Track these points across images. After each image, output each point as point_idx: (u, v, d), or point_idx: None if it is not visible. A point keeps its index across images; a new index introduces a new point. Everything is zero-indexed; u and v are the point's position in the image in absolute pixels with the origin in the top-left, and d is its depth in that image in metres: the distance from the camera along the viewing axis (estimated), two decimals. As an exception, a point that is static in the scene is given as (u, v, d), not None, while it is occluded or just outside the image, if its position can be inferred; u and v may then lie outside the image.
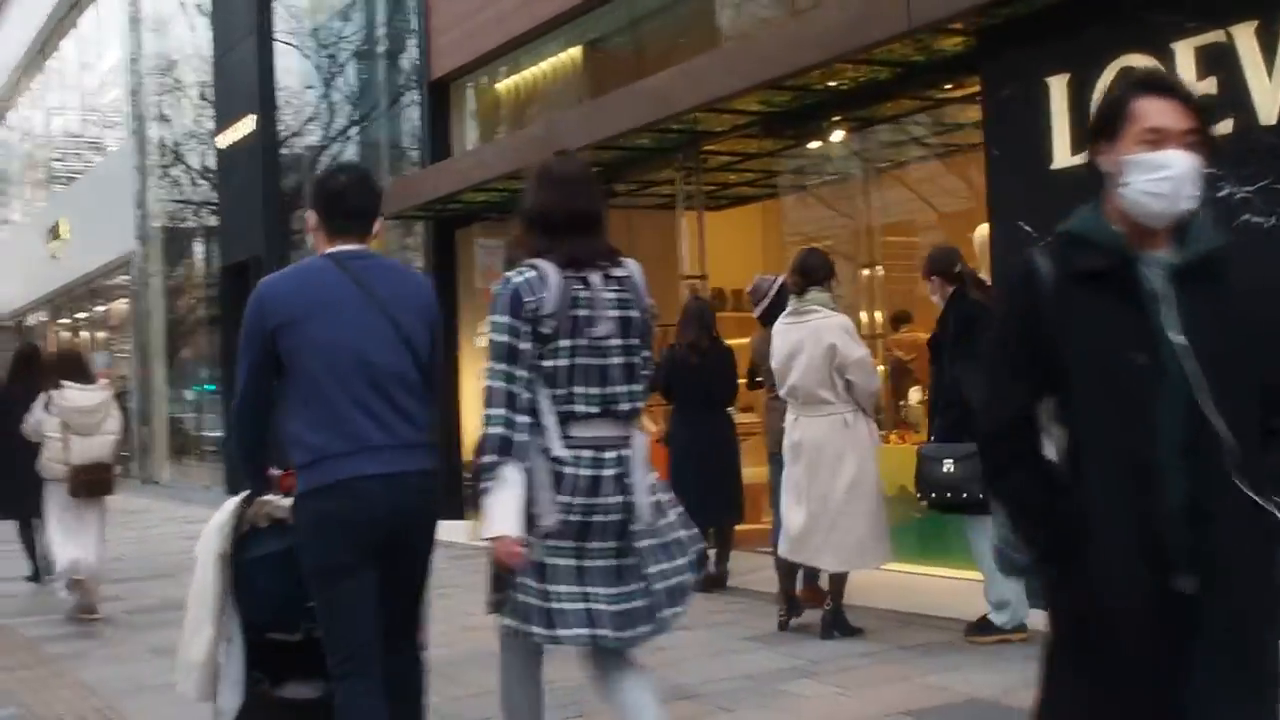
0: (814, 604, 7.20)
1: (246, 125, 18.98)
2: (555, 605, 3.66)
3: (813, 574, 7.33)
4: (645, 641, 3.79)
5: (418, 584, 3.99)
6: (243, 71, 19.05)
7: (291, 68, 18.59)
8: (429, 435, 3.90)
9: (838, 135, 9.82)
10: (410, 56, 15.06)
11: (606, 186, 11.68)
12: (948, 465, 6.49)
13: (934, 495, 6.55)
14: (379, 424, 3.74)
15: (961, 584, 7.85)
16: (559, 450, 3.65)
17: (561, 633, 3.67)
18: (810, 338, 6.94)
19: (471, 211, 13.51)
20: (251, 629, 4.00)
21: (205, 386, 22.45)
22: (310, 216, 3.98)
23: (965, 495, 6.39)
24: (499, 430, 3.59)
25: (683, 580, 3.83)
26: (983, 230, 8.79)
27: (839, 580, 6.98)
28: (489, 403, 3.63)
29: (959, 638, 6.69)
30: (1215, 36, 6.27)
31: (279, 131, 18.79)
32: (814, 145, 9.97)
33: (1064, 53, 6.95)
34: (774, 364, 7.18)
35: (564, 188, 3.80)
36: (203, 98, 21.74)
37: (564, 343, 3.66)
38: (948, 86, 8.70)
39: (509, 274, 3.73)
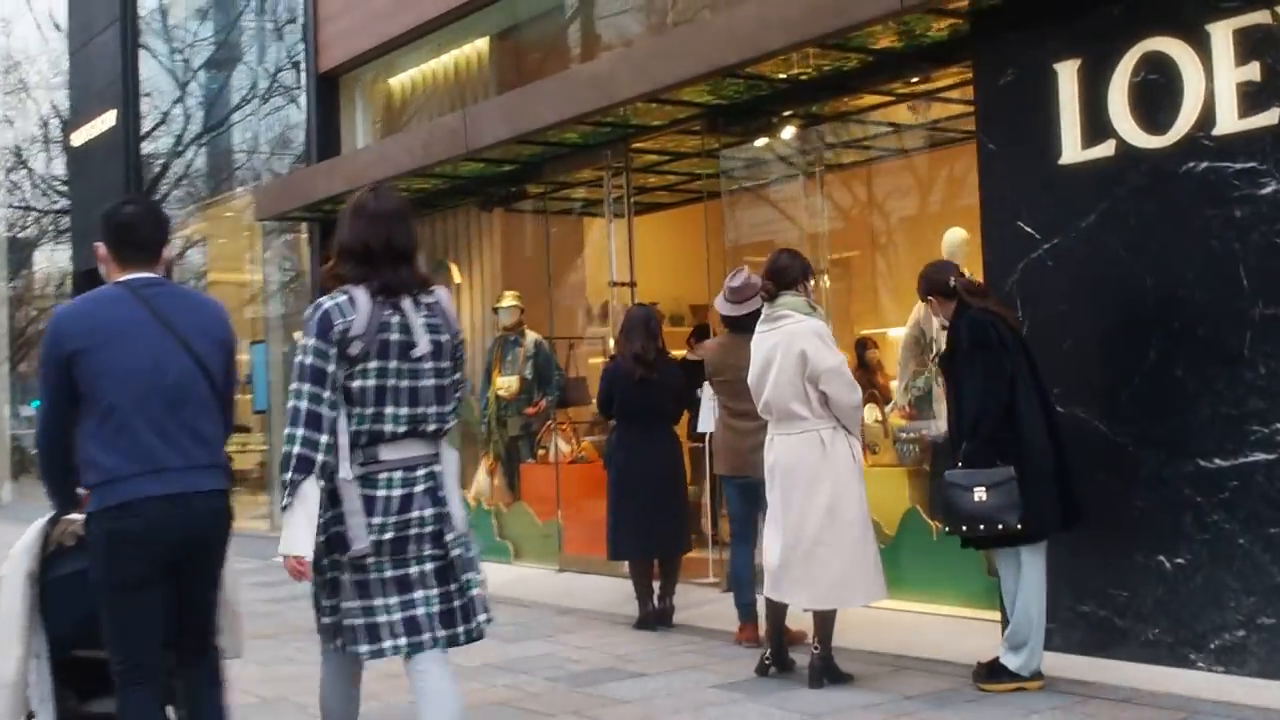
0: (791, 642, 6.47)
1: (105, 121, 17.65)
2: (378, 619, 3.89)
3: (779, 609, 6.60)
4: (462, 644, 3.99)
5: (208, 599, 4.16)
6: (102, 63, 17.73)
7: (157, 59, 17.32)
8: (221, 456, 4.11)
9: (789, 132, 9.08)
10: (295, 47, 13.99)
11: (520, 187, 10.85)
12: (979, 494, 5.74)
13: (965, 528, 5.79)
14: (171, 446, 3.92)
15: (947, 621, 7.16)
16: (358, 472, 3.84)
17: (385, 645, 3.90)
18: (782, 345, 6.17)
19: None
20: (58, 646, 4.16)
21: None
22: (99, 248, 4.11)
23: (1001, 526, 5.68)
24: (301, 450, 3.76)
25: (484, 592, 4.05)
26: (954, 235, 8.16)
27: (825, 620, 6.18)
28: (293, 422, 3.79)
29: (966, 684, 5.96)
30: (1259, 17, 5.66)
31: (141, 127, 17.50)
32: (760, 143, 9.20)
33: (1076, 35, 6.30)
34: (750, 378, 6.38)
35: (379, 222, 3.96)
36: (51, 105, 20.33)
37: (373, 364, 3.84)
38: (923, 78, 8.08)
39: (321, 299, 3.89)
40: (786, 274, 6.31)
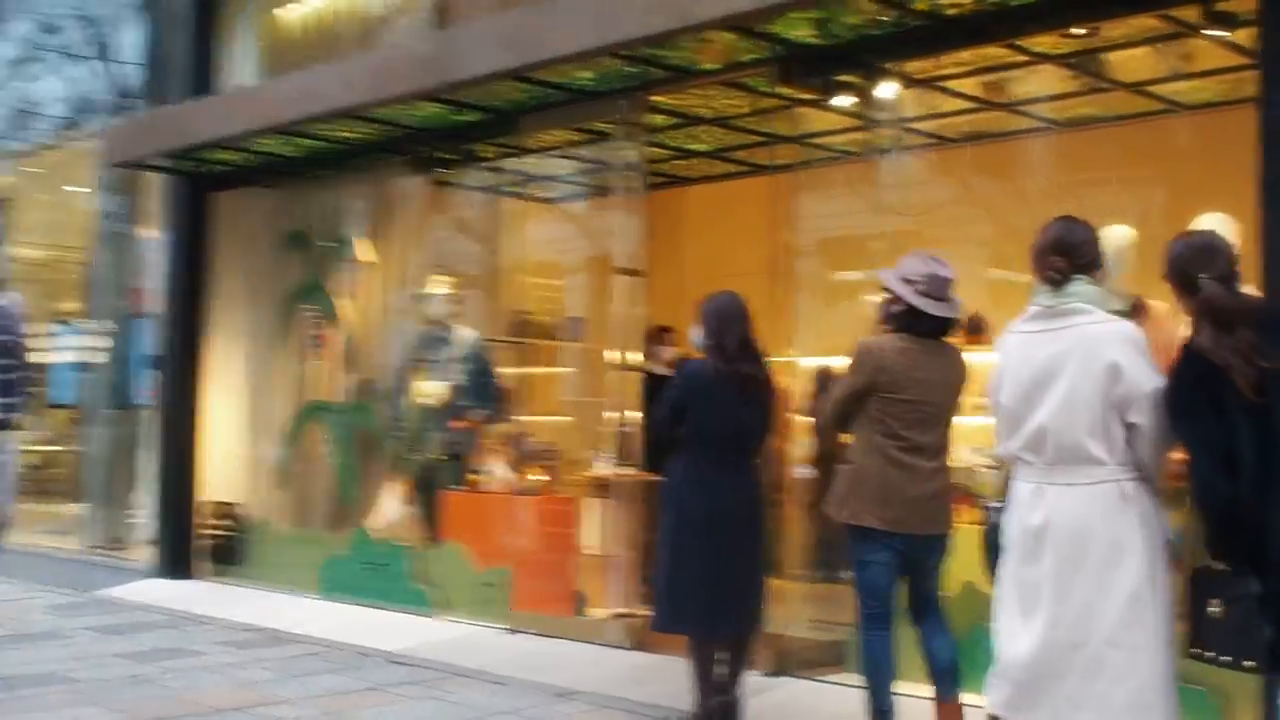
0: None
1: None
2: None
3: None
4: None
5: None
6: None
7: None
8: None
9: (888, 89, 7.11)
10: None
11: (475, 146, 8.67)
12: (1213, 608, 3.99)
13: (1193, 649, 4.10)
14: None
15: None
16: None
17: None
18: (1077, 354, 4.23)
19: (249, 168, 10.02)
20: None
21: None
22: None
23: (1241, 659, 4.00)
24: None
25: None
26: (1119, 235, 6.33)
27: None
28: None
29: None
30: None
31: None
32: (846, 100, 7.17)
33: None
34: (1002, 396, 4.40)
35: None
36: None
37: None
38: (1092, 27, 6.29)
39: None
40: (1084, 251, 4.37)
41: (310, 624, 8.40)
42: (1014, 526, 4.38)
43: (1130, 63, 7.03)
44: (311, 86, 8.39)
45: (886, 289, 5.22)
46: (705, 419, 5.74)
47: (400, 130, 8.77)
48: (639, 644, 7.37)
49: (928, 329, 5.17)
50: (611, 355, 7.67)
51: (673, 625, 5.86)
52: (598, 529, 8.52)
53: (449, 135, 8.75)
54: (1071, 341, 4.25)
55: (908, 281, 5.14)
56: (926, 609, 5.31)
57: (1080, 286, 4.31)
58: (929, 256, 5.23)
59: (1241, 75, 6.34)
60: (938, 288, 5.12)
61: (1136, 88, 7.39)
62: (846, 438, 5.43)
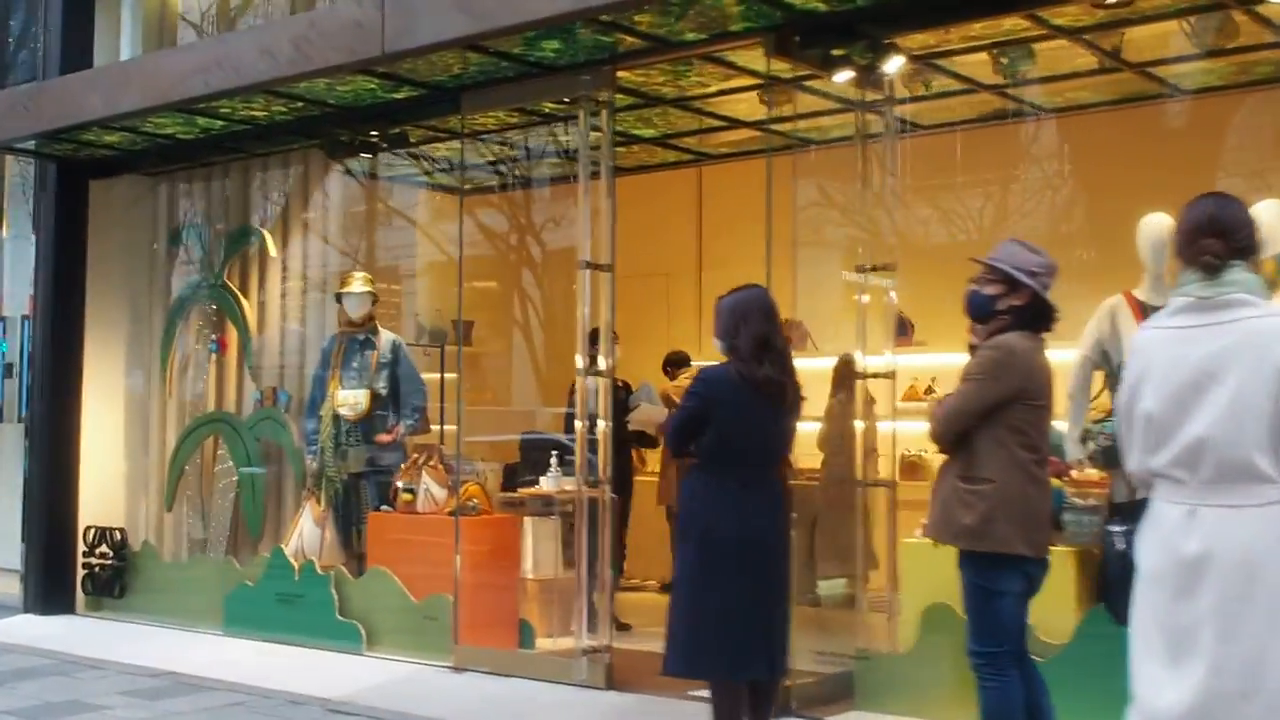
0: None
1: None
2: None
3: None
4: None
5: None
6: None
7: None
8: None
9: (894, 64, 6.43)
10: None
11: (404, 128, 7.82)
12: None
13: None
14: None
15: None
16: None
17: None
18: (1243, 353, 3.60)
19: (135, 151, 8.95)
20: None
21: None
22: None
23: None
24: None
25: None
26: (1158, 225, 5.78)
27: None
28: None
29: None
30: None
31: None
32: (844, 76, 6.47)
33: None
34: (1146, 403, 3.75)
35: None
36: None
37: None
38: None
39: None
40: (1243, 232, 3.73)
41: (221, 666, 7.41)
42: (1157, 556, 3.71)
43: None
44: (222, 56, 7.39)
45: (1003, 280, 4.52)
46: (728, 431, 5.00)
47: (320, 109, 7.83)
48: (611, 682, 6.59)
49: (1046, 325, 4.52)
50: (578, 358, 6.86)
51: (693, 668, 5.09)
52: (547, 551, 7.75)
53: (375, 115, 7.84)
54: (1235, 339, 3.61)
55: (1032, 274, 4.47)
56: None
57: (1240, 274, 3.67)
58: (1031, 244, 4.57)
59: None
60: (1052, 278, 4.48)
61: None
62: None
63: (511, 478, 8.35)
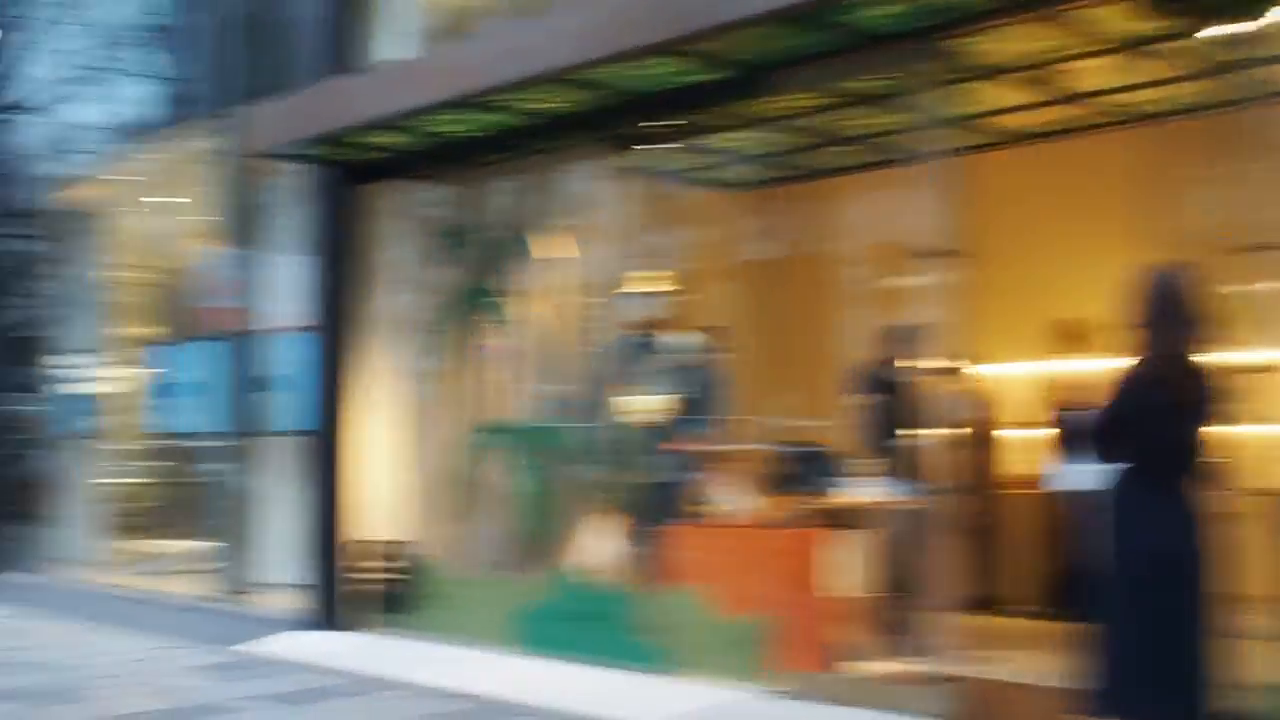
0: None
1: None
2: None
3: None
4: None
5: None
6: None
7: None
8: None
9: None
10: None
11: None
12: None
13: None
14: None
15: None
16: None
17: None
18: None
19: (407, 154, 8.68)
20: None
21: None
22: None
23: None
24: None
25: None
26: None
27: None
28: None
29: None
30: None
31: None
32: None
33: None
34: None
35: None
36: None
37: None
38: None
39: None
40: None
41: (520, 688, 7.02)
42: None
43: None
44: (513, 47, 7.02)
45: None
46: (1153, 430, 4.35)
47: (611, 98, 7.37)
48: (972, 716, 5.93)
49: None
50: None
51: (1122, 708, 4.44)
52: (866, 566, 7.14)
53: (665, 103, 7.35)
54: None
55: None
56: None
57: None
58: None
59: None
60: None
61: None
62: None
63: (789, 485, 7.80)
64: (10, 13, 13.19)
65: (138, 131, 12.45)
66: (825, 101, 7.29)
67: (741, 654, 6.83)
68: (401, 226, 9.23)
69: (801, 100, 7.27)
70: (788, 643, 6.74)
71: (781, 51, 6.56)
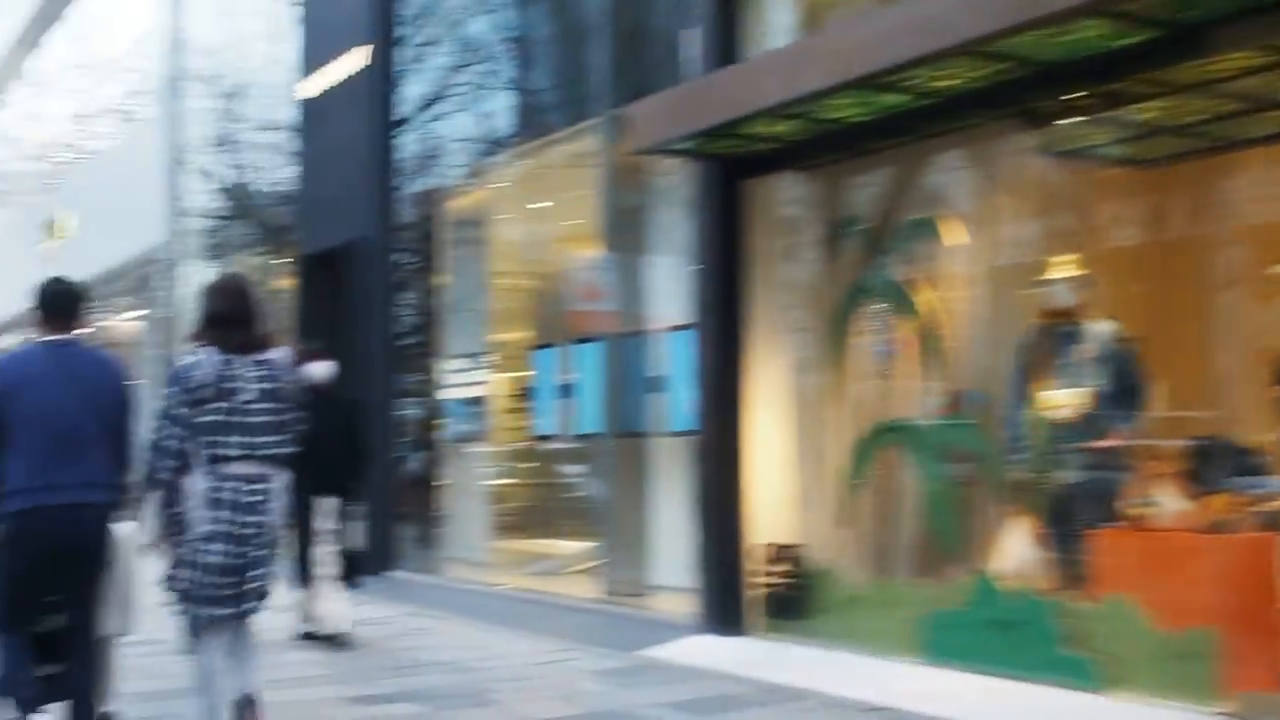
0: None
1: (352, 62, 13.90)
2: (205, 592, 5.32)
3: None
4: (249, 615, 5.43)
5: (91, 585, 5.59)
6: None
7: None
8: (112, 477, 5.59)
9: None
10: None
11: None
12: None
13: None
14: (65, 468, 5.42)
15: None
16: (209, 483, 5.27)
17: (214, 612, 5.33)
18: None
19: (793, 144, 8.38)
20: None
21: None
22: (31, 314, 5.72)
23: None
24: (151, 470, 5.38)
25: (266, 583, 5.46)
26: None
27: None
28: (150, 449, 5.36)
29: None
30: None
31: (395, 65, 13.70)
32: None
33: None
34: None
35: (223, 296, 5.57)
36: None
37: (216, 405, 5.28)
38: None
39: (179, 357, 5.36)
40: None
41: (939, 702, 6.59)
42: None
43: None
44: (919, 18, 6.60)
45: None
46: None
47: (1025, 69, 6.84)
48: None
49: None
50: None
51: None
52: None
53: (1085, 72, 6.77)
54: None
55: None
56: None
57: None
58: None
59: None
60: None
61: None
62: None
63: (1218, 484, 7.05)
64: (395, 33, 13.69)
65: (511, 141, 12.67)
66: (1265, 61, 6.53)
67: (1185, 672, 6.18)
68: (787, 219, 8.95)
69: (1240, 60, 6.53)
70: (1239, 660, 6.06)
71: (1227, 3, 5.89)
